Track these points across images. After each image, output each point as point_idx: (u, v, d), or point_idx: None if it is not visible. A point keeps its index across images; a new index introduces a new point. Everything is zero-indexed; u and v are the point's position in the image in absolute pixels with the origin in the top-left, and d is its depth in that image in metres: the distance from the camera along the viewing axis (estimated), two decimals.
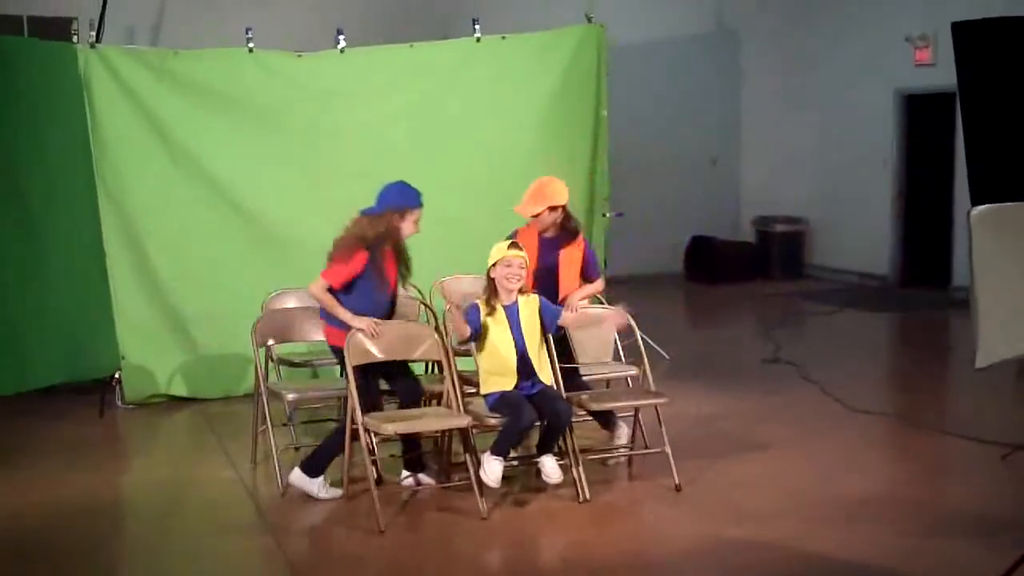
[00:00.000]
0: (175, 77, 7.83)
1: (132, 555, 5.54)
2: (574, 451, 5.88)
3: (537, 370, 5.80)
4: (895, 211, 13.03)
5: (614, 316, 6.25)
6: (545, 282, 6.23)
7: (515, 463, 5.97)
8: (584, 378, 6.49)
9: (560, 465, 5.79)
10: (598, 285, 6.55)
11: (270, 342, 6.42)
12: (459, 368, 6.03)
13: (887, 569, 4.91)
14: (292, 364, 6.94)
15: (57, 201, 7.41)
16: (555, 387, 5.89)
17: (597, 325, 6.41)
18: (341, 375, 6.03)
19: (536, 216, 6.31)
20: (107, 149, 7.69)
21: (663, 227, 13.63)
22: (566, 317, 6.05)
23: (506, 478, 5.70)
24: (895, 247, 13.08)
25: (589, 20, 8.69)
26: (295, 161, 8.02)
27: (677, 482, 5.97)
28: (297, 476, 5.91)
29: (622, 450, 6.45)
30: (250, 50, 7.95)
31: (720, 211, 14.41)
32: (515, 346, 5.76)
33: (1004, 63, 8.54)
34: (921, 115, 12.71)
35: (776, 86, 14.24)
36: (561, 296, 6.30)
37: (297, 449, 6.48)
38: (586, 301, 6.45)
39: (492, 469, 5.57)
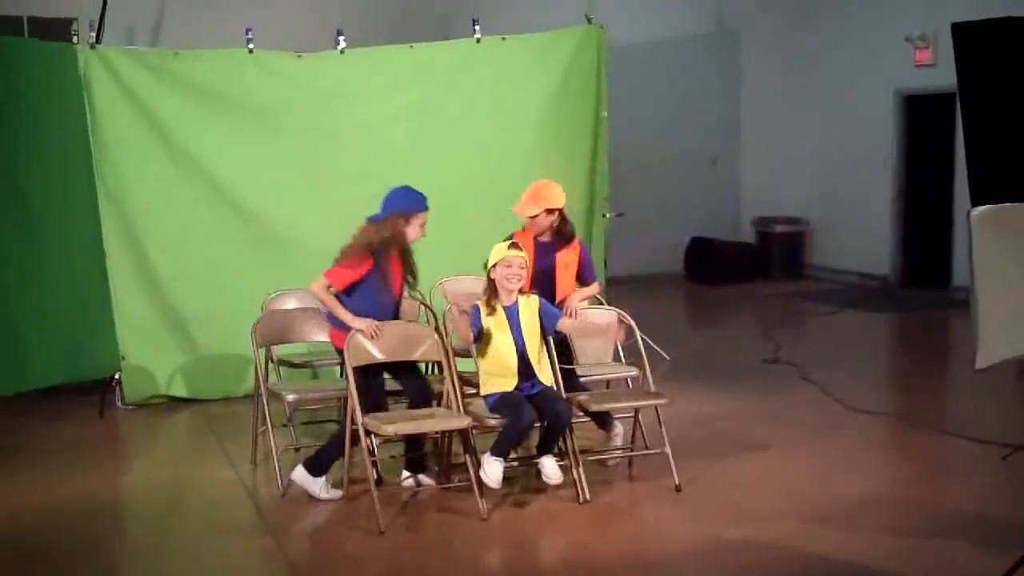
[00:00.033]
0: (175, 77, 7.83)
1: (132, 555, 5.54)
2: (574, 452, 5.88)
3: (537, 371, 5.80)
4: (895, 211, 13.03)
5: (615, 332, 6.25)
6: (542, 285, 6.22)
7: (515, 464, 5.96)
8: (585, 379, 6.48)
9: (560, 466, 5.78)
10: (595, 288, 6.56)
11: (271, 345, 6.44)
12: (459, 369, 6.03)
13: (887, 569, 4.91)
14: (292, 365, 6.95)
15: (57, 201, 7.40)
16: (555, 388, 5.88)
17: (597, 337, 6.42)
18: (341, 375, 6.03)
19: (533, 218, 6.30)
20: (107, 149, 7.68)
21: (663, 227, 13.62)
22: (565, 323, 6.04)
23: (506, 479, 5.69)
24: (895, 247, 13.07)
25: (589, 21, 8.68)
26: (295, 162, 8.02)
27: (677, 483, 5.98)
28: (300, 474, 5.91)
29: (622, 450, 6.44)
30: (250, 50, 7.95)
31: (720, 211, 14.40)
32: (515, 347, 5.76)
33: (1004, 63, 8.55)
34: (921, 115, 12.70)
35: (776, 86, 14.23)
36: (558, 299, 6.29)
37: (297, 450, 6.48)
38: (585, 303, 6.45)
39: (492, 470, 5.57)
